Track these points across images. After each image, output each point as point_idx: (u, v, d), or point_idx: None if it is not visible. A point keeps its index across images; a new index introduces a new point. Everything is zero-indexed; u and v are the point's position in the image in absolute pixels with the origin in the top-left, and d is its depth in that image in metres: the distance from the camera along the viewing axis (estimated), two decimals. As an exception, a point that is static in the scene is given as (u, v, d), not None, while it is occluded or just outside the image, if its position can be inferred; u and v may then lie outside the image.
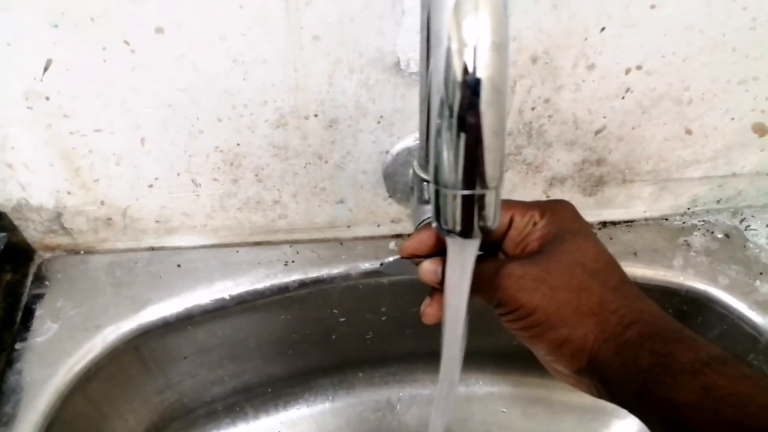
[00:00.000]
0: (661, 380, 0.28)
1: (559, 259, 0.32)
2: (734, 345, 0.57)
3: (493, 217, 0.26)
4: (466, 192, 0.25)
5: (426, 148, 0.43)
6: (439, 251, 0.37)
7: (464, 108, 0.24)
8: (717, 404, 0.26)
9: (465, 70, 0.23)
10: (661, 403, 0.28)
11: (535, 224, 0.35)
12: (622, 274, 0.34)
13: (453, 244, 0.29)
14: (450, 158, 0.25)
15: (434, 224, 0.28)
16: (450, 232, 0.27)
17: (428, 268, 0.36)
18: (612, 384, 0.31)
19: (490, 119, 0.24)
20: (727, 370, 0.27)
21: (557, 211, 0.35)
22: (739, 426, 0.25)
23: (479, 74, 0.23)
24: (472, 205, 0.26)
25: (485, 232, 0.27)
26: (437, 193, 0.26)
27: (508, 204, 0.36)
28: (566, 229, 0.34)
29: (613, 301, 0.32)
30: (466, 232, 0.26)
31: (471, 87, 0.24)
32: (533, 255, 0.33)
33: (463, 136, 0.24)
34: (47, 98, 0.43)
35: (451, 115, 0.24)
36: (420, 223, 0.46)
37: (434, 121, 0.25)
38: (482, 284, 0.32)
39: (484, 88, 0.24)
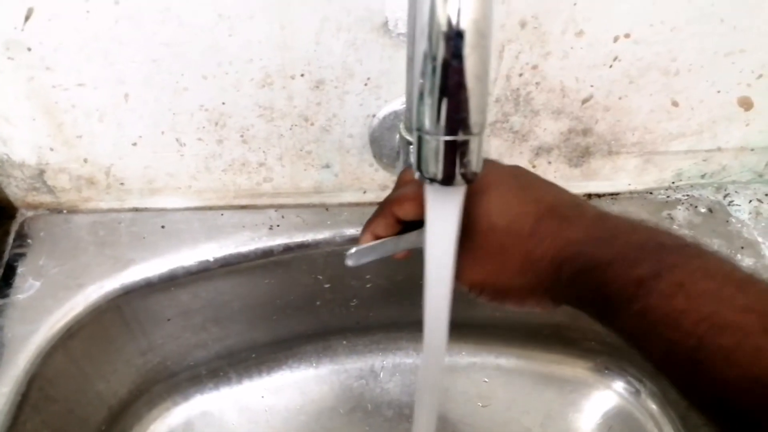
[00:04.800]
0: (605, 313, 0.29)
1: (473, 230, 0.32)
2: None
3: (475, 164, 0.26)
4: (448, 137, 0.25)
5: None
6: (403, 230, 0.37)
7: (448, 51, 0.24)
8: (656, 327, 0.27)
9: (450, 13, 0.23)
10: (618, 332, 0.29)
11: None
12: (539, 202, 0.33)
13: (434, 194, 0.29)
14: (433, 102, 0.25)
15: (416, 173, 0.28)
16: (432, 180, 0.27)
17: None
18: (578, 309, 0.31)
19: (473, 63, 0.24)
20: (659, 285, 0.27)
21: None
22: (677, 345, 0.26)
23: (464, 17, 0.23)
24: (454, 151, 0.26)
25: (467, 179, 0.27)
26: (419, 139, 0.26)
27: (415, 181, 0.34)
28: (469, 204, 0.33)
29: (537, 247, 0.32)
30: (447, 179, 0.27)
31: (455, 29, 0.23)
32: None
33: (446, 79, 0.24)
34: (29, 49, 0.42)
35: (434, 58, 0.24)
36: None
37: (417, 65, 0.25)
38: None
39: (468, 31, 0.24)
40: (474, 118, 0.25)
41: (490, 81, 0.49)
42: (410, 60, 0.40)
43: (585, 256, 0.30)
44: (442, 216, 0.30)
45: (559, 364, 0.71)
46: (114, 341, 0.55)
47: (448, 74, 0.24)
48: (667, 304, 0.27)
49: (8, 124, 0.47)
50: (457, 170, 0.26)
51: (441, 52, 0.24)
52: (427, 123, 0.25)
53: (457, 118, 0.25)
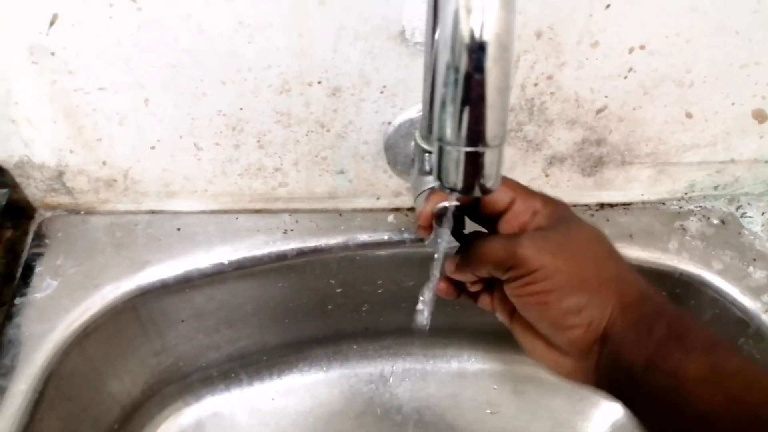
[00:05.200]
0: (672, 353, 0.29)
1: (575, 233, 0.34)
2: (725, 329, 0.58)
3: (494, 176, 0.27)
4: (469, 149, 0.26)
5: (429, 118, 0.43)
6: None
7: (471, 63, 0.24)
8: (724, 381, 0.27)
9: (473, 27, 0.24)
10: (668, 376, 0.29)
11: (535, 213, 0.36)
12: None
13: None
14: (454, 114, 0.25)
15: (436, 182, 0.28)
16: (452, 189, 0.27)
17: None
18: (621, 356, 0.31)
19: (495, 76, 0.24)
20: (737, 353, 0.28)
21: (558, 204, 0.37)
22: (742, 402, 0.26)
23: (487, 30, 0.24)
24: (474, 162, 0.26)
25: (485, 191, 0.27)
26: (440, 150, 0.27)
27: (512, 185, 0.37)
28: (571, 217, 0.36)
29: (630, 274, 0.33)
30: (467, 190, 0.27)
31: (478, 43, 0.24)
32: (547, 229, 0.34)
33: (468, 91, 0.25)
34: (52, 53, 0.43)
35: (457, 71, 0.25)
36: (419, 194, 0.47)
37: (440, 76, 0.25)
38: (497, 247, 0.33)
39: (490, 45, 0.24)
40: (495, 130, 0.25)
41: (506, 90, 0.49)
42: (428, 69, 0.40)
43: (671, 306, 0.32)
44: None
45: (568, 372, 0.71)
46: (129, 341, 0.56)
47: (470, 87, 0.24)
48: (744, 365, 0.28)
49: (30, 127, 0.48)
50: (477, 181, 0.27)
51: (463, 65, 0.24)
52: (449, 134, 0.26)
53: (478, 130, 0.25)
